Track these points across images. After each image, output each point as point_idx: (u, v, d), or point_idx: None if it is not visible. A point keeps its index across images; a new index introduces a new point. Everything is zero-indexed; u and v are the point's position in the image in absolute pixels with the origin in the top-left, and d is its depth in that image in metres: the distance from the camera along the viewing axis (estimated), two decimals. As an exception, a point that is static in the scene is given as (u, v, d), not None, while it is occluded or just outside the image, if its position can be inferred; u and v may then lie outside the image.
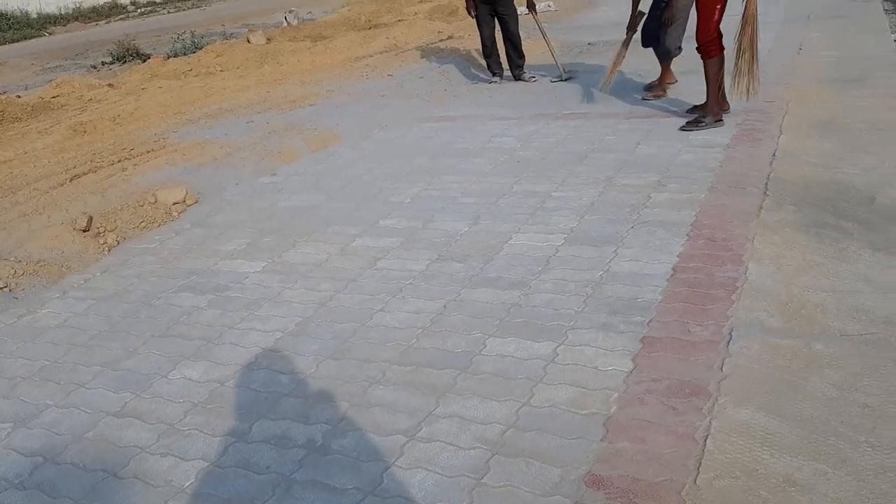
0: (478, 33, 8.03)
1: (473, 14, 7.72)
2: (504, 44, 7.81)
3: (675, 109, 6.18)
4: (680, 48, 6.58)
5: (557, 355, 2.92)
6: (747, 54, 5.56)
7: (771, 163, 4.71)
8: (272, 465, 2.50)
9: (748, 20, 5.50)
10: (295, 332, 3.34)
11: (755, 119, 5.70)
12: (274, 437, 2.64)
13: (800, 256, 3.52)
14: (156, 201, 5.09)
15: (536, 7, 7.97)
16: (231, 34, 17.36)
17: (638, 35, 6.72)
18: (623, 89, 7.04)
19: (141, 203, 5.06)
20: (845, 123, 5.40)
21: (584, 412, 2.58)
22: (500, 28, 7.78)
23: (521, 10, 8.13)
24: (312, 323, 3.41)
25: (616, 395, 2.65)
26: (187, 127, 7.14)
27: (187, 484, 2.47)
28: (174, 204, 5.09)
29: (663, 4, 6.38)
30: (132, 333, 3.50)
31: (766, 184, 4.38)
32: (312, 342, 3.24)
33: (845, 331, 2.91)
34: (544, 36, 7.83)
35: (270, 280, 3.90)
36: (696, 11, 5.59)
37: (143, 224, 4.85)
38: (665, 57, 6.65)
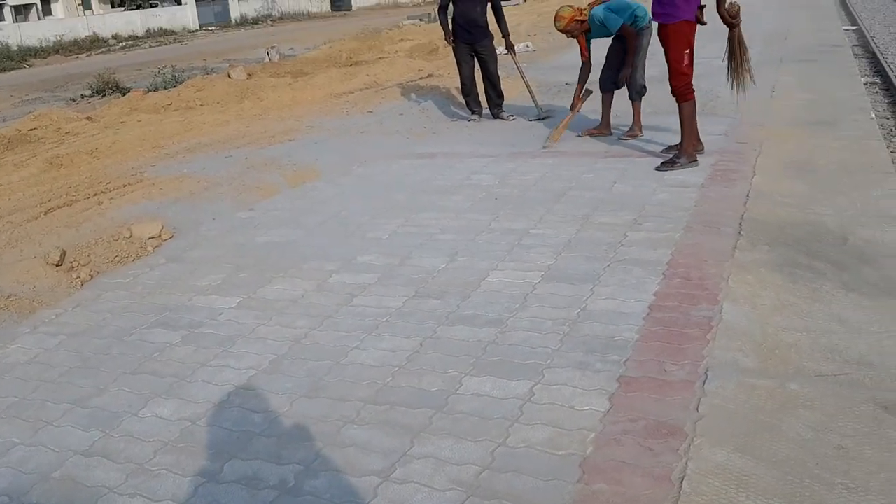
0: (457, 72, 8.11)
1: (451, 41, 7.76)
2: (483, 83, 7.90)
3: (650, 149, 6.25)
4: (644, 87, 6.74)
5: (534, 394, 2.91)
6: (744, 58, 5.77)
7: (745, 203, 4.76)
8: (243, 507, 2.45)
9: (737, 40, 5.71)
10: (269, 370, 3.30)
11: (729, 159, 5.78)
12: (245, 477, 2.59)
13: (774, 296, 3.55)
14: (131, 236, 5.04)
15: (515, 48, 8.06)
16: (212, 69, 17.43)
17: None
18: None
19: (116, 237, 5.01)
20: (818, 165, 5.49)
21: (560, 453, 2.56)
22: (479, 67, 7.87)
23: (500, 49, 8.23)
24: (287, 360, 3.37)
25: (592, 435, 2.63)
26: (165, 161, 7.11)
27: (155, 526, 2.41)
28: (150, 238, 5.05)
29: (620, 50, 6.53)
30: (103, 370, 3.45)
31: (741, 224, 4.42)
32: (286, 380, 3.20)
33: (820, 371, 2.93)
34: (522, 76, 7.93)
35: (245, 316, 3.86)
36: (665, 59, 5.69)
37: (117, 258, 4.80)
38: (635, 98, 6.74)
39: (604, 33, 6.67)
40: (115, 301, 4.22)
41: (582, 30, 6.71)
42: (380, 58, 14.83)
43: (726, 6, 5.49)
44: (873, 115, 7.04)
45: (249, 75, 13.24)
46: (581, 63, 6.98)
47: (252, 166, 6.67)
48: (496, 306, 3.67)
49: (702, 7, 5.52)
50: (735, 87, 5.79)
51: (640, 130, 6.77)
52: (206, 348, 3.55)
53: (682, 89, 5.61)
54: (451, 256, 4.36)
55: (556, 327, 3.41)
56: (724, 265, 3.90)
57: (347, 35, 22.59)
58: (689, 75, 5.61)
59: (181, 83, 12.95)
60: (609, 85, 6.82)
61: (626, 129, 6.82)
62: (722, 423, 2.64)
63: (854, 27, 16.30)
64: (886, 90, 10.41)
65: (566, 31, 6.74)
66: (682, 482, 2.36)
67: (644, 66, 6.73)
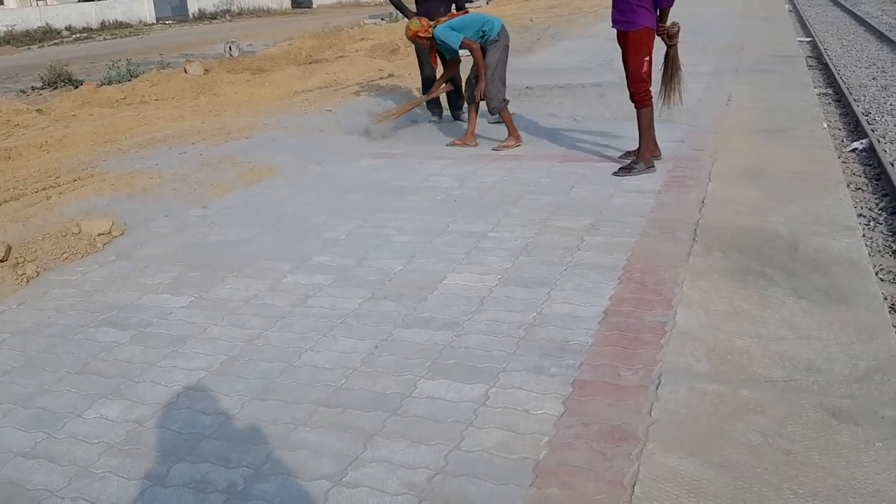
0: (418, 72, 8.08)
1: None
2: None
3: (608, 154, 6.29)
4: (506, 100, 6.77)
5: (489, 398, 2.89)
6: (676, 76, 5.90)
7: (700, 209, 4.82)
8: (189, 512, 2.39)
9: (672, 59, 5.82)
10: (220, 371, 3.24)
11: (685, 166, 5.84)
12: (193, 480, 2.53)
13: (727, 302, 3.58)
14: (80, 232, 4.92)
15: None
16: (168, 63, 17.15)
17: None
18: (557, 133, 7.16)
19: (64, 233, 4.88)
20: (771, 173, 5.57)
21: (513, 457, 2.55)
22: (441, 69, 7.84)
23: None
24: (238, 361, 3.31)
25: (546, 439, 2.63)
26: (118, 156, 6.96)
27: (98, 531, 2.34)
28: (99, 235, 4.93)
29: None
30: (47, 369, 3.35)
31: (696, 230, 4.47)
32: (238, 381, 3.14)
33: (770, 377, 2.96)
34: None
35: (196, 316, 3.79)
36: (624, 63, 5.74)
37: (65, 255, 4.68)
38: (494, 111, 6.84)
39: (451, 49, 6.77)
40: (62, 299, 4.11)
41: (427, 45, 6.93)
42: (340, 56, 14.72)
43: (667, 25, 5.61)
44: (825, 126, 7.18)
45: (206, 71, 13.04)
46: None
47: (207, 163, 6.56)
48: (452, 309, 3.65)
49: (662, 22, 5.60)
50: (663, 103, 5.90)
51: (517, 140, 6.79)
52: (154, 348, 3.48)
53: (640, 95, 5.66)
54: (408, 258, 4.33)
55: (512, 331, 3.40)
56: (678, 271, 3.93)
57: (307, 33, 22.37)
58: (648, 82, 5.66)
59: (136, 77, 12.72)
60: (472, 96, 6.85)
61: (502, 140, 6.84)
62: (674, 428, 2.65)
63: (808, 39, 16.67)
64: (838, 101, 10.65)
65: (413, 42, 6.99)
66: (633, 487, 2.37)
67: (504, 79, 6.78)
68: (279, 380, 3.14)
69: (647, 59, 5.61)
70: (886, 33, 18.80)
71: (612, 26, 5.74)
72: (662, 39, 5.68)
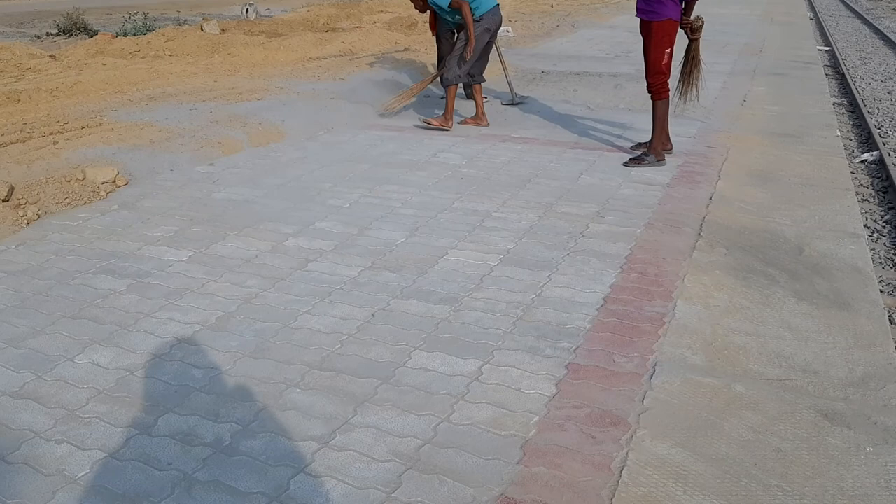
0: (435, 48, 8.01)
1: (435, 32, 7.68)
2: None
3: (620, 144, 6.25)
4: (459, 76, 6.66)
5: (482, 374, 2.88)
6: (695, 71, 5.85)
7: (707, 206, 4.79)
8: (174, 462, 2.38)
9: (693, 54, 5.76)
10: (215, 327, 3.23)
11: (696, 162, 5.81)
12: (180, 432, 2.53)
13: (727, 299, 3.57)
14: (84, 178, 4.89)
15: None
16: (185, 20, 17.04)
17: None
18: (570, 120, 7.11)
19: (68, 179, 4.86)
20: (780, 175, 5.54)
21: (502, 433, 2.54)
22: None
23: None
24: (234, 319, 3.30)
25: (536, 418, 2.62)
26: (127, 107, 6.92)
27: (81, 474, 2.33)
28: (103, 183, 4.91)
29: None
30: (41, 311, 3.34)
31: (701, 225, 4.44)
32: (232, 338, 3.13)
33: (765, 375, 2.95)
34: (501, 59, 7.86)
35: (195, 271, 3.77)
36: (644, 54, 5.69)
37: (67, 200, 4.66)
38: (446, 84, 6.73)
39: (445, 13, 6.70)
40: (61, 243, 4.09)
41: (423, 6, 6.91)
42: (357, 26, 14.63)
43: (691, 19, 5.55)
44: (839, 133, 7.13)
45: (223, 31, 12.97)
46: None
47: (216, 121, 6.52)
48: (452, 285, 3.63)
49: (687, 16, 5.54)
50: (680, 98, 5.86)
51: (445, 123, 6.70)
52: (151, 299, 3.46)
53: (658, 87, 5.61)
54: (410, 231, 4.31)
55: (510, 310, 3.38)
56: (681, 264, 3.91)
57: (326, 1, 22.24)
58: (667, 74, 5.61)
59: (152, 31, 12.64)
60: (446, 78, 6.73)
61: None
62: (665, 418, 2.64)
63: (827, 48, 16.54)
64: (852, 112, 10.58)
65: (414, 3, 6.99)
66: (621, 472, 2.35)
67: (471, 63, 6.64)
68: (274, 340, 3.12)
69: (669, 51, 5.56)
70: (907, 47, 18.68)
71: (636, 15, 5.68)
72: (685, 33, 5.63)
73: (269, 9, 21.81)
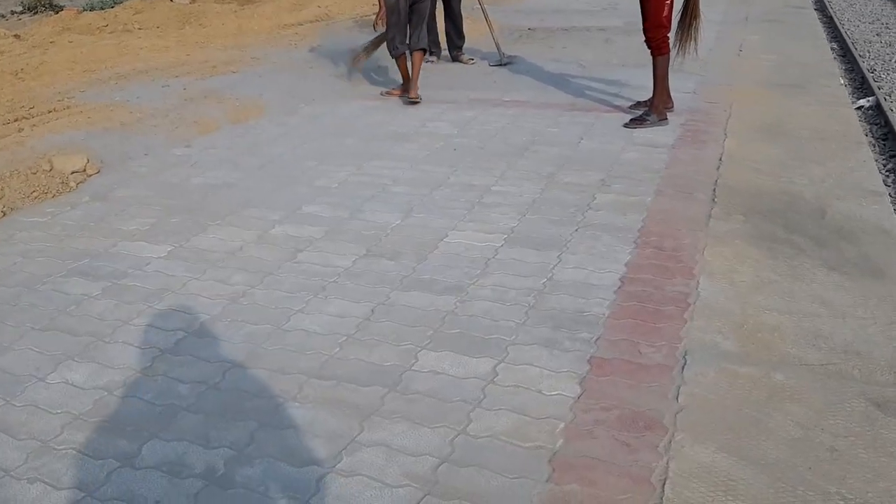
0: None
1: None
2: (444, 23, 7.47)
3: (617, 104, 5.96)
4: (396, 48, 6.10)
5: (497, 374, 2.62)
6: (694, 24, 5.51)
7: (717, 167, 4.52)
8: (162, 500, 2.11)
9: (692, 5, 5.47)
10: (200, 332, 2.94)
11: (699, 120, 5.52)
12: (167, 462, 2.26)
13: (752, 272, 3.31)
14: (51, 169, 4.56)
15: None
16: (152, -10, 16.41)
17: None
18: (562, 80, 6.79)
19: (34, 170, 4.52)
20: (789, 130, 5.26)
21: (527, 445, 2.28)
22: (441, 6, 7.42)
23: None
24: (221, 322, 3.02)
25: (562, 425, 2.36)
26: (96, 87, 6.54)
27: (58, 519, 2.07)
28: (73, 173, 4.57)
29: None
30: (8, 324, 3.04)
31: (714, 190, 4.18)
32: (220, 345, 2.85)
33: (805, 359, 2.70)
34: (486, 18, 7.50)
35: (176, 268, 3.47)
36: (641, 7, 5.36)
37: (34, 194, 4.33)
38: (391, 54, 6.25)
39: None
40: (29, 243, 3.78)
41: None
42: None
43: None
44: (842, 82, 6.85)
45: (193, 0, 12.47)
46: None
47: (190, 98, 6.17)
48: (455, 271, 3.36)
49: None
50: (678, 52, 5.51)
51: (402, 92, 6.30)
52: (129, 303, 3.17)
53: (658, 42, 5.29)
54: (405, 212, 4.02)
55: (520, 298, 3.12)
56: (698, 235, 3.65)
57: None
58: (668, 28, 5.29)
59: (119, 4, 12.13)
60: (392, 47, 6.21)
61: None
62: (704, 417, 2.39)
63: (813, -11, 16.16)
64: (843, 56, 10.28)
65: None
66: (663, 485, 2.11)
67: (398, 30, 6.05)
68: (266, 345, 2.84)
69: (669, 2, 5.23)
70: (890, -14, 18.33)
71: (633, -35, 5.34)
72: None
73: (239, -26, 21.12)
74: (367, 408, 2.47)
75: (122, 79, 6.95)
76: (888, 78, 9.57)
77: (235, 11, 11.21)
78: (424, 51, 6.22)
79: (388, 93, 6.44)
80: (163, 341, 2.89)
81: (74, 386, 2.63)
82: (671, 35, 5.40)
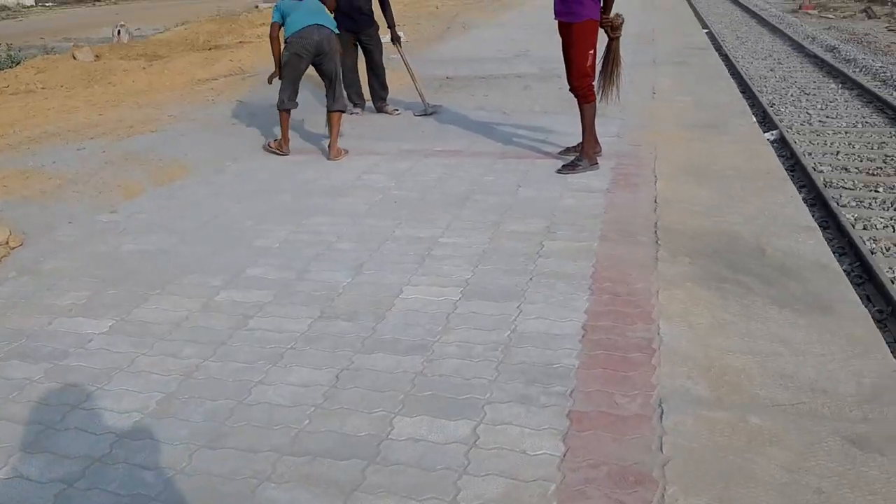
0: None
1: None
2: (367, 74, 7.46)
3: (547, 150, 6.05)
4: (283, 101, 6.13)
5: (478, 437, 2.56)
6: (616, 70, 5.66)
7: (654, 210, 4.62)
8: None
9: (614, 52, 5.59)
10: (157, 413, 2.78)
11: (627, 163, 5.66)
12: (142, 561, 2.10)
13: (708, 314, 3.37)
14: (-30, 243, 4.29)
15: (401, 39, 7.65)
16: (53, 48, 15.91)
17: None
18: (489, 128, 6.87)
19: (-50, 245, 4.24)
20: (715, 170, 5.44)
21: (521, 511, 2.22)
22: (363, 58, 7.42)
23: (384, 38, 7.79)
24: (178, 400, 2.86)
25: (553, 487, 2.32)
26: (7, 152, 6.23)
27: None
28: (-7, 246, 4.31)
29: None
30: (-57, 418, 2.80)
31: (656, 233, 4.26)
32: (181, 426, 2.70)
33: (775, 400, 2.74)
34: (408, 68, 7.54)
35: (120, 343, 3.28)
36: (565, 57, 5.49)
37: (-47, 271, 4.06)
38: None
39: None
40: (-46, 326, 3.52)
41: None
42: (241, 42, 14.03)
43: (611, 17, 5.39)
44: (754, 120, 7.16)
45: (97, 57, 12.12)
46: None
47: (110, 161, 5.94)
48: (417, 329, 3.29)
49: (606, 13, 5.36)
50: (601, 98, 5.67)
51: (280, 146, 6.27)
52: (75, 385, 2.97)
53: (584, 90, 5.42)
54: (355, 269, 3.94)
55: (487, 353, 3.08)
56: (649, 279, 3.70)
57: (202, 17, 21.34)
58: (592, 76, 5.43)
59: (18, 64, 11.67)
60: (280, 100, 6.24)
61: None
62: (691, 467, 2.39)
63: (706, 30, 17.00)
64: (743, 92, 10.82)
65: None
66: (665, 543, 2.09)
67: (290, 86, 6.14)
68: (230, 422, 2.71)
69: (592, 52, 5.37)
70: (777, 25, 19.49)
71: (556, 18, 5.47)
72: (605, 31, 5.46)
73: (139, 28, 20.73)
74: (349, 483, 2.37)
75: (34, 142, 6.65)
76: (787, 111, 10.12)
77: (144, 68, 10.94)
78: (343, 111, 6.22)
79: (268, 146, 6.35)
80: (118, 425, 2.71)
81: (30, 480, 2.43)
82: (599, 82, 5.54)
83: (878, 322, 4.10)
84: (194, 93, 9.09)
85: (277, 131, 6.44)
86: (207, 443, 2.59)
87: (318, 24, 5.95)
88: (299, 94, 6.29)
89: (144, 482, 2.41)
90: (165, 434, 2.65)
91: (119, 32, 15.99)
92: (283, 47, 6.06)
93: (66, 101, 8.67)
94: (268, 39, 6.34)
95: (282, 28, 6.04)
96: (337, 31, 6.11)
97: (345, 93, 7.31)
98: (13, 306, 3.66)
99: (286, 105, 6.13)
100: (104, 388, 2.95)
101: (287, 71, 6.05)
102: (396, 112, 7.51)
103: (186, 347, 3.23)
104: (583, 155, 5.49)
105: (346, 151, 6.17)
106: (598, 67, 5.61)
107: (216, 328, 3.39)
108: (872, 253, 5.43)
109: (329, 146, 6.17)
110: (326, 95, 6.21)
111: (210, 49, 13.43)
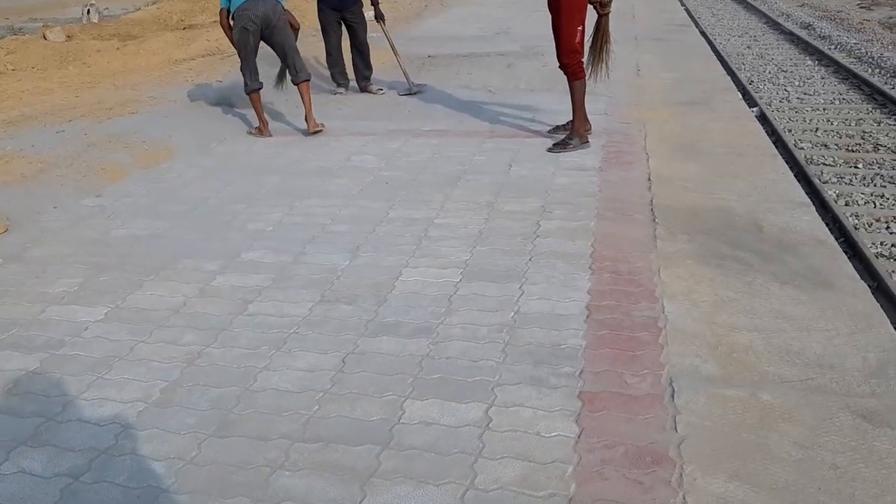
0: (318, 40, 7.52)
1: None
2: (351, 53, 7.36)
3: (536, 129, 6.02)
4: (247, 84, 6.05)
5: (491, 420, 2.54)
6: (605, 47, 5.63)
7: (649, 188, 4.60)
8: None
9: (603, 29, 5.56)
10: (161, 402, 2.73)
11: (618, 140, 5.64)
12: (159, 553, 2.06)
13: (711, 291, 3.36)
14: (-47, 230, 4.18)
15: (384, 17, 7.54)
16: (20, 29, 15.56)
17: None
18: (475, 107, 6.82)
19: (-67, 232, 4.14)
20: (705, 147, 5.44)
21: (540, 493, 2.21)
22: (347, 36, 7.32)
23: (367, 15, 7.68)
24: (182, 387, 2.81)
25: (570, 468, 2.31)
26: (-18, 136, 6.09)
27: None
28: (-23, 233, 4.21)
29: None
30: (-61, 411, 2.73)
31: (653, 210, 4.25)
32: (187, 414, 2.65)
33: (784, 377, 2.75)
34: (393, 47, 7.46)
35: (118, 331, 3.22)
36: (554, 33, 5.44)
37: (-63, 259, 3.95)
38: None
39: None
40: (-57, 315, 3.43)
41: None
42: (216, 21, 13.74)
43: None
44: (740, 96, 7.17)
45: (69, 37, 11.86)
46: None
47: (93, 143, 5.82)
48: (420, 311, 3.26)
49: None
50: (591, 75, 5.63)
51: (260, 132, 6.18)
52: (74, 375, 2.91)
53: (574, 67, 5.38)
54: (352, 252, 3.89)
55: (493, 335, 3.05)
56: (649, 257, 3.69)
57: (173, -4, 20.93)
58: (581, 52, 5.39)
59: (-13, 44, 11.37)
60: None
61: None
62: (706, 445, 2.39)
63: (682, 8, 16.99)
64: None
65: None
66: (687, 523, 2.08)
67: (249, 62, 6.03)
68: (237, 409, 2.66)
69: (581, 28, 5.32)
70: (752, 2, 19.53)
71: (542, -8, 5.41)
72: (595, 8, 5.41)
73: (107, 8, 20.29)
74: (364, 470, 2.34)
75: (10, 125, 6.50)
76: (765, 88, 10.14)
77: (118, 48, 10.71)
78: (308, 80, 6.12)
79: (250, 133, 6.26)
80: (122, 414, 2.66)
81: (33, 475, 2.37)
82: (588, 59, 5.51)
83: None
84: (172, 73, 8.94)
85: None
86: (216, 431, 2.55)
87: None
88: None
89: (153, 473, 2.36)
90: (172, 423, 2.60)
91: (88, 12, 15.66)
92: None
93: (40, 83, 8.50)
94: None
95: (231, 14, 5.93)
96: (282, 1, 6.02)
97: (331, 72, 7.24)
98: (2, 295, 3.57)
99: (251, 86, 6.04)
100: (104, 377, 2.89)
101: (240, 48, 5.96)
102: (381, 91, 7.42)
103: (186, 334, 3.18)
104: (573, 133, 5.46)
105: (322, 125, 6.12)
106: (588, 44, 5.57)
107: (216, 314, 3.33)
108: (856, 228, 5.47)
109: (305, 119, 6.10)
110: (287, 70, 6.13)
111: (185, 28, 13.19)
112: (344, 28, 7.27)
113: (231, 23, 5.96)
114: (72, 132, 6.15)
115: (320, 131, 6.03)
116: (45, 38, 11.52)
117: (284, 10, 6.02)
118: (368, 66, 7.43)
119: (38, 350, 3.09)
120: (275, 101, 6.87)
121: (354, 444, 2.45)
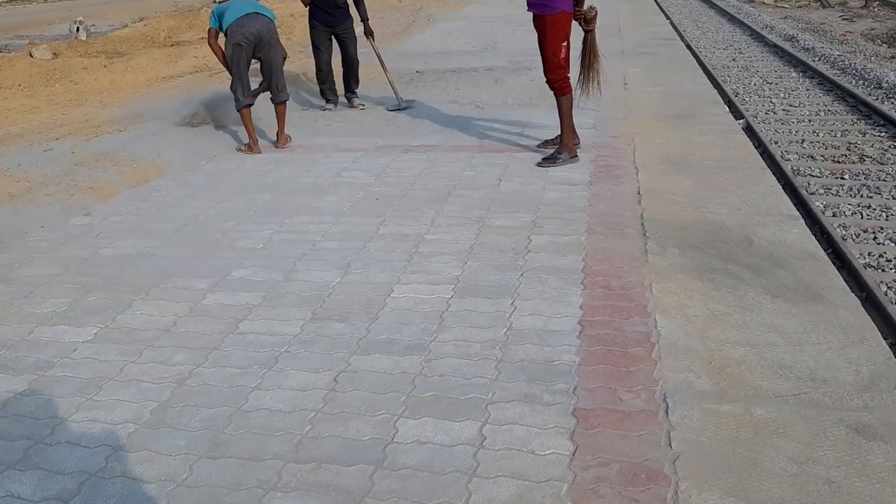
0: (307, 56, 7.53)
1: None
2: (342, 67, 7.36)
3: (525, 144, 6.03)
4: (238, 100, 6.08)
5: (485, 438, 2.53)
6: (594, 64, 5.66)
7: (639, 202, 4.62)
8: None
9: (590, 45, 5.59)
10: (152, 423, 2.70)
11: (607, 154, 5.66)
12: (151, 579, 2.03)
13: (702, 306, 3.37)
14: (-61, 250, 4.14)
15: (374, 33, 7.56)
16: (6, 46, 15.51)
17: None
18: (464, 121, 6.83)
19: (-81, 253, 4.10)
20: (694, 161, 5.47)
21: (536, 513, 2.20)
22: (338, 51, 7.33)
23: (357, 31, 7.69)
24: (172, 408, 2.78)
25: (566, 487, 2.29)
26: (-31, 155, 6.05)
27: None
28: (-36, 253, 4.17)
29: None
30: (-75, 435, 2.69)
31: (643, 225, 4.26)
32: (178, 435, 2.62)
33: (777, 391, 2.75)
34: (382, 63, 7.47)
35: (107, 352, 3.19)
36: (540, 49, 5.46)
37: (-77, 280, 3.91)
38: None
39: None
40: (-71, 337, 3.39)
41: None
42: (203, 38, 13.77)
43: (584, 10, 5.37)
44: (727, 110, 7.21)
45: (55, 55, 11.85)
46: None
47: (81, 162, 5.80)
48: (412, 328, 3.25)
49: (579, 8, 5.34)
50: (582, 91, 5.65)
51: (250, 149, 6.20)
52: (63, 397, 2.88)
53: (560, 83, 5.40)
54: (343, 269, 3.88)
55: (486, 351, 3.04)
56: (641, 271, 3.69)
57: (160, 12, 20.95)
58: (566, 68, 5.41)
59: (-27, 62, 11.33)
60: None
61: None
62: (701, 462, 2.38)
63: (667, 21, 17.12)
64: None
65: None
66: (684, 540, 2.07)
67: (242, 79, 6.04)
68: (229, 430, 2.64)
69: (565, 44, 5.35)
70: (735, 15, 19.69)
71: (528, 10, 5.44)
72: (580, 24, 5.44)
73: (94, 24, 20.27)
74: (358, 490, 2.32)
75: (-3, 144, 6.47)
76: (751, 101, 10.20)
77: (106, 65, 10.70)
78: (286, 101, 6.28)
79: (239, 149, 6.28)
80: (111, 436, 2.63)
81: (22, 499, 2.34)
82: (572, 75, 5.52)
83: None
84: (159, 90, 8.93)
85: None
86: (207, 452, 2.52)
87: (256, 13, 5.94)
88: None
89: (145, 496, 2.33)
90: (163, 444, 2.58)
91: (78, 29, 15.63)
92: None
93: (26, 101, 8.47)
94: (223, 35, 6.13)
95: (220, 33, 5.98)
96: (273, 17, 6.11)
97: (320, 88, 7.26)
98: (-9, 316, 3.54)
99: (243, 102, 6.08)
100: (94, 398, 2.86)
101: (233, 64, 5.99)
102: (361, 106, 7.43)
103: (177, 354, 3.15)
104: (562, 148, 5.48)
105: (290, 137, 6.37)
106: (577, 61, 5.59)
107: (206, 333, 3.31)
108: (844, 239, 5.49)
109: (277, 135, 6.33)
110: (269, 88, 6.18)
111: (172, 45, 13.20)
112: (336, 43, 7.28)
113: (220, 40, 5.97)
114: (59, 150, 6.12)
115: (287, 146, 6.27)
116: (32, 56, 11.50)
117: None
118: (357, 81, 7.44)
119: (27, 371, 3.06)
120: (263, 117, 6.86)
121: (347, 465, 2.43)
